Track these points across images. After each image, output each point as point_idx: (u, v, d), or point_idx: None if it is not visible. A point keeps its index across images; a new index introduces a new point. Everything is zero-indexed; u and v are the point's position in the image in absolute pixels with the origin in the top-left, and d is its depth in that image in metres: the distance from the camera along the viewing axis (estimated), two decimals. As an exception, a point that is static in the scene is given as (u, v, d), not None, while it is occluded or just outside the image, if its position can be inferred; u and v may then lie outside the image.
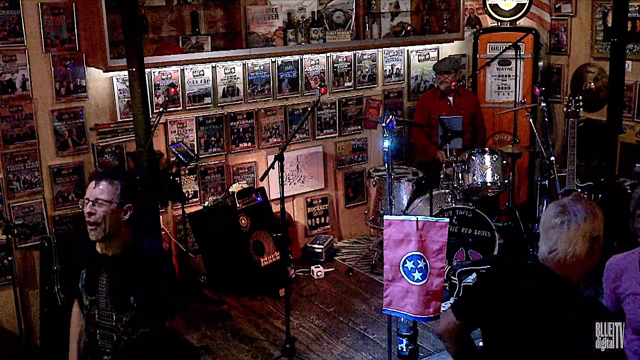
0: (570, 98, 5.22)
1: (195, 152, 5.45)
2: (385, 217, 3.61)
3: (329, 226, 6.36)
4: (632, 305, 2.89)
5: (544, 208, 5.04)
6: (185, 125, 5.48)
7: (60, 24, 4.83)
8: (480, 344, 2.61)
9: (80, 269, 2.87)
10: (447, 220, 3.51)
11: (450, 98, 6.07)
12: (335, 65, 6.14)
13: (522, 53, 6.25)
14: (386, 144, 3.93)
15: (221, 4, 5.53)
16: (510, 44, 6.12)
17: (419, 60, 6.60)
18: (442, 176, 5.59)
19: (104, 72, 4.92)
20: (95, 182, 2.76)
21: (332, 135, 6.26)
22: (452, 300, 5.12)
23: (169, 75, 5.34)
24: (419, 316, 3.59)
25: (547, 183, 5.05)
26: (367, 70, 6.32)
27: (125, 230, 2.80)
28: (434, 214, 5.16)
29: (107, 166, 5.02)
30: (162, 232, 5.17)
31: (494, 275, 2.63)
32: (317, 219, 6.30)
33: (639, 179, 5.50)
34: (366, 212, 6.09)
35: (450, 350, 2.64)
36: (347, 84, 6.25)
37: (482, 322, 2.52)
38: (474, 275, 5.11)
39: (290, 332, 4.52)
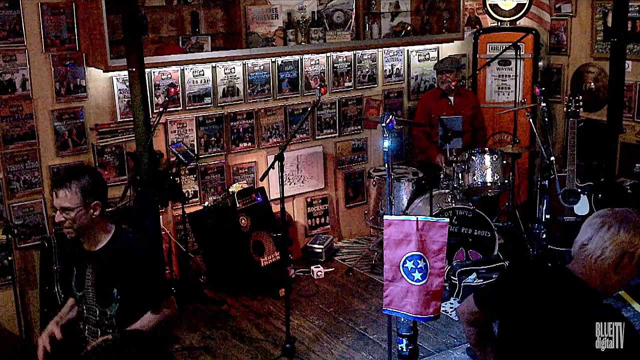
0: (570, 98, 5.23)
1: (195, 152, 5.44)
2: (385, 217, 3.60)
3: (329, 226, 6.36)
4: None
5: (544, 208, 5.04)
6: (185, 125, 5.48)
7: (60, 24, 4.83)
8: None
9: (72, 268, 2.93)
10: (447, 220, 3.51)
11: (451, 98, 6.07)
12: (335, 65, 6.14)
13: (522, 53, 6.25)
14: (386, 144, 3.92)
15: (221, 4, 5.52)
16: (510, 44, 6.13)
17: (419, 60, 6.60)
18: (442, 176, 5.59)
19: (104, 72, 4.92)
20: (56, 191, 2.77)
21: (332, 135, 6.26)
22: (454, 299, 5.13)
23: (169, 75, 5.34)
24: (418, 316, 3.58)
25: (547, 183, 5.04)
26: (367, 70, 6.32)
27: (103, 223, 2.83)
28: (434, 214, 5.16)
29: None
30: (162, 232, 5.17)
31: (515, 274, 2.67)
32: (317, 219, 6.29)
33: (639, 179, 5.50)
34: (366, 212, 6.08)
35: (465, 332, 2.70)
36: (347, 84, 6.25)
37: (499, 316, 2.56)
38: (474, 275, 5.11)
39: (290, 332, 4.51)
